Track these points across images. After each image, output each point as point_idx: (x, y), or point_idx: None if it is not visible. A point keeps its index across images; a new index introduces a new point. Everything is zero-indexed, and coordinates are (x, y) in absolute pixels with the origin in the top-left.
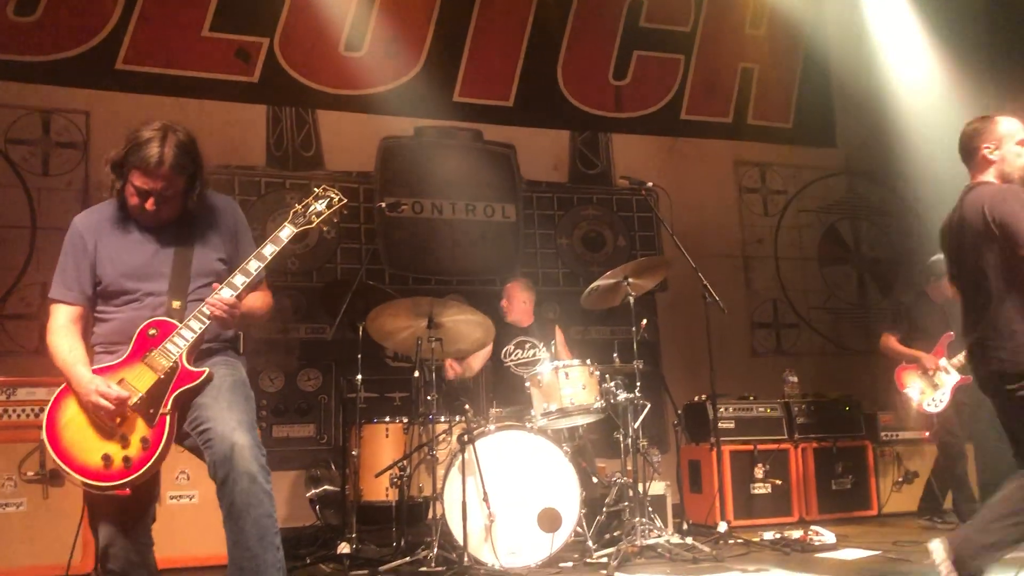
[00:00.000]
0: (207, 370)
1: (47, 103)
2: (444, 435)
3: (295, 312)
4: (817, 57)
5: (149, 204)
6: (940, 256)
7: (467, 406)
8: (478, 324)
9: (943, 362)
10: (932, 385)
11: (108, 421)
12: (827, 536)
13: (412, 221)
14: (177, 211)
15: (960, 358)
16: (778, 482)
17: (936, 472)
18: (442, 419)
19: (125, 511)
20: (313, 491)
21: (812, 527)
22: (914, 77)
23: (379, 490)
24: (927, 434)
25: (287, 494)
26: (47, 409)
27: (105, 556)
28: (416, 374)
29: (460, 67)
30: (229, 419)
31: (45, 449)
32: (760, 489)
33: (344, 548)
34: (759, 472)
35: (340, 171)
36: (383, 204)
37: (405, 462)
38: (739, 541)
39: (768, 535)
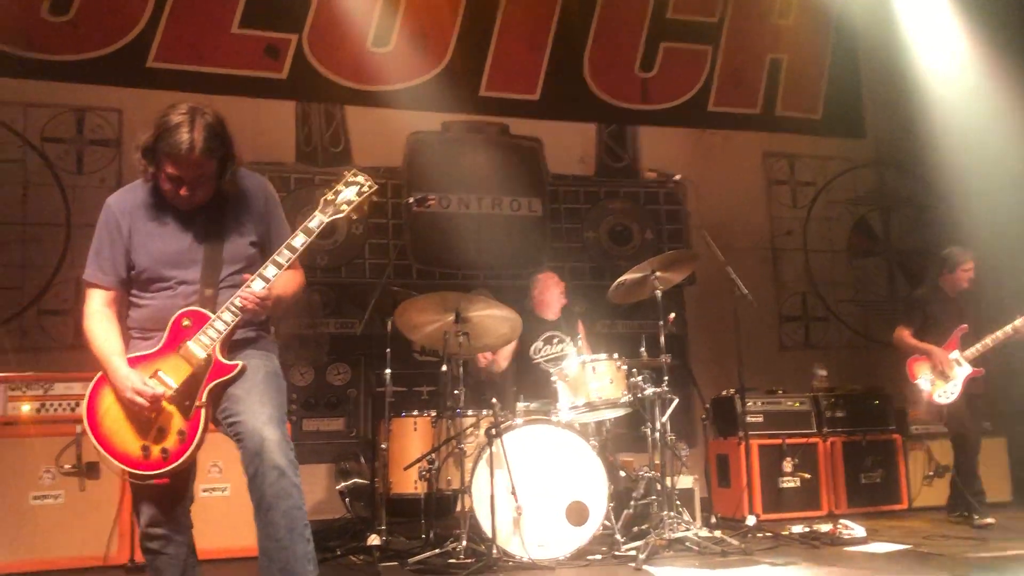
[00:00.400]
0: (240, 363)
1: (81, 101)
2: (472, 429)
3: (324, 307)
4: (846, 46)
5: (183, 191)
6: (954, 248)
7: (494, 400)
8: (505, 319)
9: (955, 355)
10: (943, 377)
11: (144, 415)
12: (857, 530)
13: (439, 216)
14: (211, 193)
15: (974, 350)
16: (807, 476)
17: (956, 468)
18: (469, 413)
19: (164, 494)
20: (343, 484)
21: (841, 521)
22: (946, 64)
23: (408, 483)
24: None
25: (317, 487)
26: (86, 397)
27: (147, 536)
28: (444, 368)
29: (486, 61)
30: (260, 414)
31: (86, 437)
32: (789, 483)
33: (374, 540)
34: (788, 466)
35: (368, 167)
36: (411, 199)
37: (433, 455)
38: (768, 534)
39: (797, 529)
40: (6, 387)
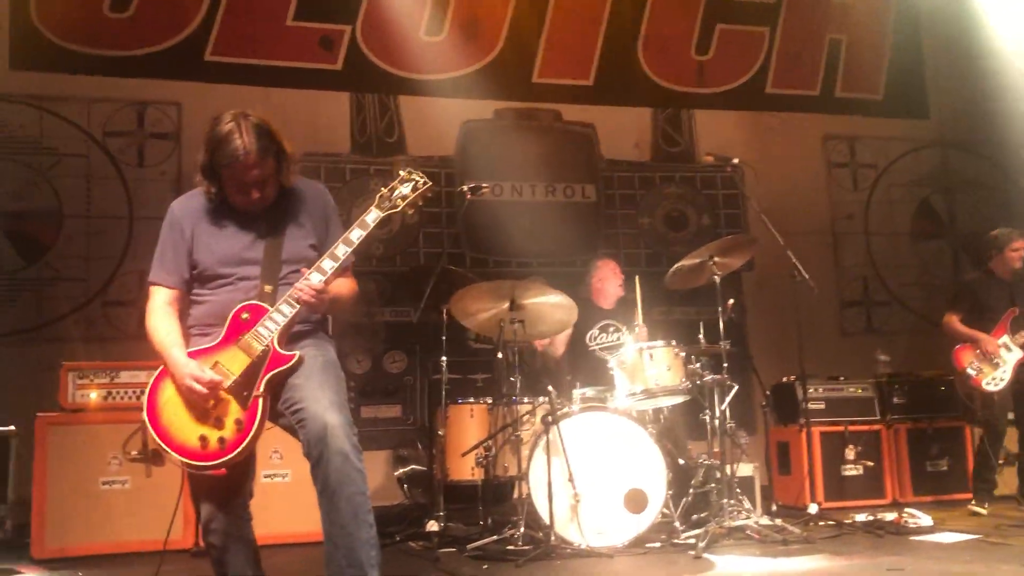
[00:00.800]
0: (298, 354)
1: (141, 96)
2: (528, 416)
3: (380, 296)
4: (908, 23)
5: (255, 194)
6: (1003, 228)
7: (550, 387)
8: (560, 306)
9: (1004, 339)
10: (991, 364)
11: (202, 403)
12: (923, 519)
13: (492, 204)
14: (277, 189)
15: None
16: (870, 464)
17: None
18: (525, 400)
19: (223, 487)
20: (400, 470)
21: (907, 509)
22: (1015, 39)
23: (465, 470)
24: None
25: (375, 473)
26: (147, 390)
27: (206, 531)
28: (499, 356)
29: (539, 48)
30: (321, 399)
31: (146, 429)
32: (851, 471)
33: (432, 526)
34: (850, 453)
35: (422, 156)
36: (464, 188)
37: (490, 442)
38: (830, 523)
39: (860, 517)
40: (74, 375)
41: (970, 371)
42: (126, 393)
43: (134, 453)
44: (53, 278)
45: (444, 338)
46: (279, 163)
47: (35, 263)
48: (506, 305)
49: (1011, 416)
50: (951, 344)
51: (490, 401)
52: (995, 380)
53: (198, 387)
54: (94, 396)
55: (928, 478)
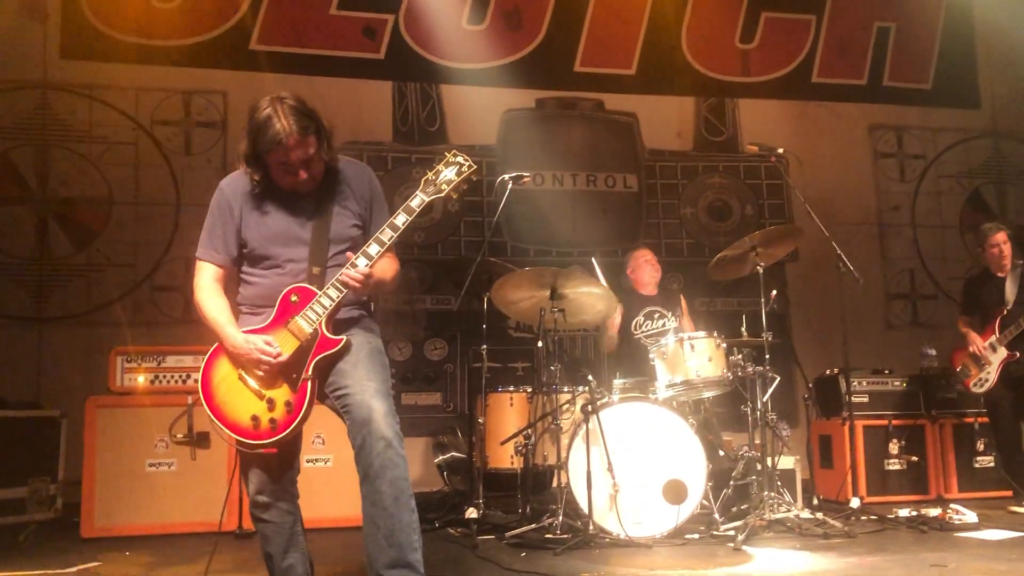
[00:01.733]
0: (345, 338)
1: (188, 85)
2: (567, 405)
3: (421, 283)
4: (960, 9)
5: (302, 174)
6: (987, 223)
7: (590, 377)
8: (601, 295)
9: (992, 339)
10: (979, 365)
11: (268, 376)
12: (968, 515)
13: (534, 193)
14: (323, 167)
15: (1008, 332)
16: (914, 459)
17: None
18: (565, 389)
19: (273, 463)
20: (440, 457)
21: (951, 505)
22: None
23: (504, 457)
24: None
25: (415, 460)
26: (202, 368)
27: (255, 504)
28: (539, 344)
29: (581, 37)
30: (367, 387)
31: (200, 406)
32: (895, 465)
33: (471, 513)
34: (894, 448)
35: (463, 145)
36: (505, 177)
37: (530, 431)
38: (872, 518)
39: (904, 512)
40: (122, 359)
41: (961, 372)
42: (173, 377)
43: (180, 436)
44: (102, 264)
45: (484, 326)
46: (320, 140)
47: (85, 249)
48: (547, 293)
49: None
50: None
51: (530, 390)
52: (980, 382)
53: (267, 359)
54: (142, 380)
55: (974, 474)
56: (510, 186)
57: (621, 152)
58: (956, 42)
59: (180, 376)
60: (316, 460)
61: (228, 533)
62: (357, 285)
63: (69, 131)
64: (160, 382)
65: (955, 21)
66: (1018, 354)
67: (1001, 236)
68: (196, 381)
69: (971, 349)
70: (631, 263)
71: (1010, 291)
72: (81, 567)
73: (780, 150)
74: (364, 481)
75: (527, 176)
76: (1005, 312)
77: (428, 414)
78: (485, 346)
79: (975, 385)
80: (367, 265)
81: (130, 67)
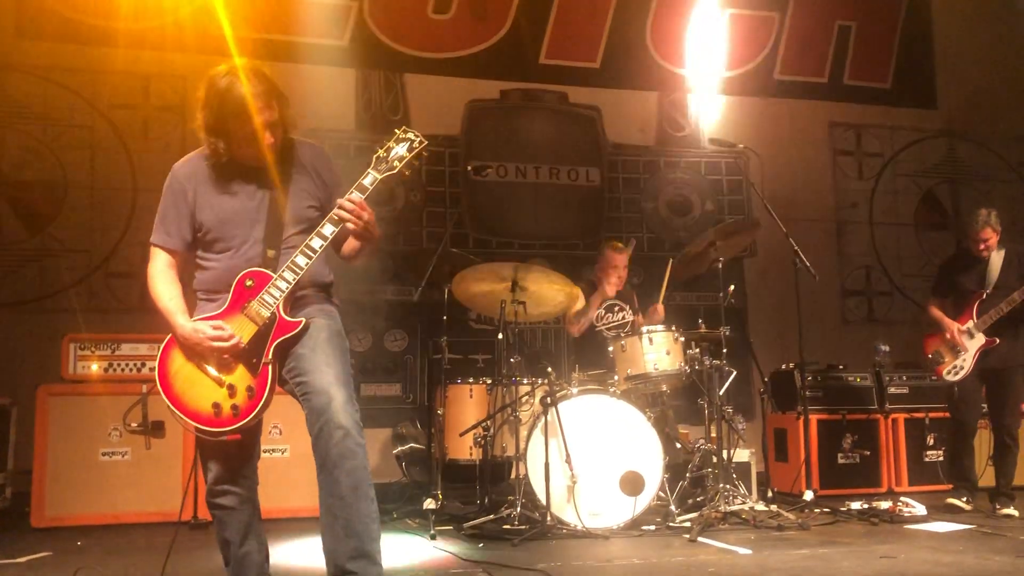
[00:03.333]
0: (303, 320)
1: (146, 69)
2: (527, 397)
3: (382, 274)
4: (920, 11)
5: (268, 138)
6: (982, 211)
7: (549, 369)
8: (561, 288)
9: (968, 325)
10: (954, 352)
11: (226, 362)
12: (917, 508)
13: (496, 185)
14: (282, 134)
15: (987, 318)
16: (866, 452)
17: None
18: (525, 381)
19: (234, 450)
20: (399, 448)
21: (902, 499)
22: None
23: (463, 449)
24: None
25: (373, 451)
26: (158, 357)
27: (212, 492)
28: (500, 336)
29: (547, 29)
30: (327, 373)
31: (155, 396)
32: (848, 459)
33: (429, 504)
34: (847, 442)
35: (427, 134)
36: (469, 167)
37: (489, 422)
38: (825, 510)
39: (856, 505)
40: (75, 346)
41: (933, 359)
42: (127, 365)
43: (134, 425)
44: (56, 249)
45: (445, 318)
46: (281, 106)
47: (38, 234)
48: (508, 286)
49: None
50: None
51: (490, 381)
52: (955, 369)
53: (220, 344)
54: (95, 367)
55: (924, 468)
56: (473, 176)
57: (584, 145)
58: (915, 43)
59: (135, 364)
60: (273, 450)
61: (182, 523)
62: (351, 219)
63: (23, 113)
64: (114, 370)
65: (915, 21)
66: (998, 340)
67: (988, 232)
68: (152, 370)
69: (948, 333)
70: (601, 263)
71: (993, 274)
72: (31, 556)
73: (740, 146)
74: (321, 470)
75: (490, 167)
76: (984, 296)
77: (387, 405)
78: (446, 338)
79: (949, 373)
80: (361, 199)
81: (88, 49)
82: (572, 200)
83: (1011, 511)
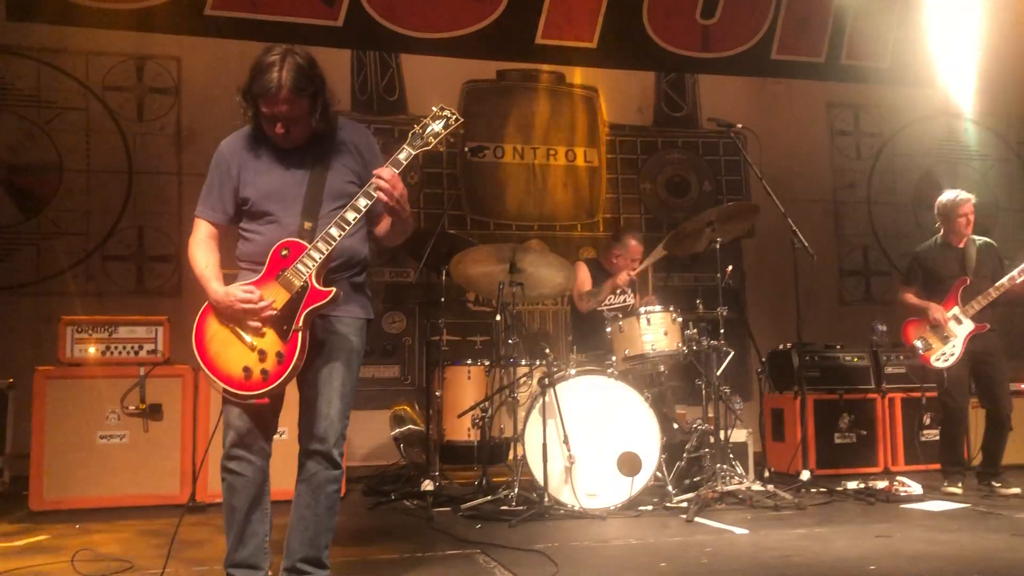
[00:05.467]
0: (335, 289)
1: (141, 50)
2: (525, 378)
3: (379, 255)
4: None
5: (277, 128)
6: (948, 193)
7: (547, 350)
8: (559, 269)
9: (955, 311)
10: (941, 338)
11: (259, 327)
12: (913, 487)
13: (494, 166)
14: (307, 130)
15: (975, 303)
16: (863, 432)
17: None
18: (523, 363)
19: (255, 416)
20: (397, 430)
21: (898, 478)
22: None
23: (461, 430)
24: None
25: (372, 433)
26: (195, 323)
27: (229, 456)
28: (498, 318)
29: (543, 8)
30: (334, 402)
31: (156, 379)
32: (844, 439)
33: (427, 485)
34: (844, 422)
35: (423, 115)
36: (466, 149)
37: (487, 403)
38: (822, 490)
39: (852, 485)
40: (73, 329)
41: (918, 345)
42: (125, 348)
43: (132, 408)
44: (52, 232)
45: (443, 299)
46: (314, 106)
47: (34, 217)
48: (506, 267)
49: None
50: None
51: (488, 363)
52: (944, 356)
53: (249, 306)
54: (92, 350)
55: (921, 447)
56: (470, 158)
57: (582, 126)
58: (914, 22)
59: (132, 347)
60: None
61: (179, 506)
62: (383, 195)
63: (17, 96)
64: (112, 353)
65: (912, 2)
66: (988, 325)
67: (969, 206)
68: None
69: (934, 317)
70: (622, 251)
71: (971, 260)
72: (29, 540)
73: (738, 126)
74: (305, 485)
75: (487, 148)
76: (968, 282)
77: (386, 387)
78: (443, 319)
79: (937, 359)
80: (392, 173)
81: (81, 31)
82: (570, 181)
83: (1016, 490)
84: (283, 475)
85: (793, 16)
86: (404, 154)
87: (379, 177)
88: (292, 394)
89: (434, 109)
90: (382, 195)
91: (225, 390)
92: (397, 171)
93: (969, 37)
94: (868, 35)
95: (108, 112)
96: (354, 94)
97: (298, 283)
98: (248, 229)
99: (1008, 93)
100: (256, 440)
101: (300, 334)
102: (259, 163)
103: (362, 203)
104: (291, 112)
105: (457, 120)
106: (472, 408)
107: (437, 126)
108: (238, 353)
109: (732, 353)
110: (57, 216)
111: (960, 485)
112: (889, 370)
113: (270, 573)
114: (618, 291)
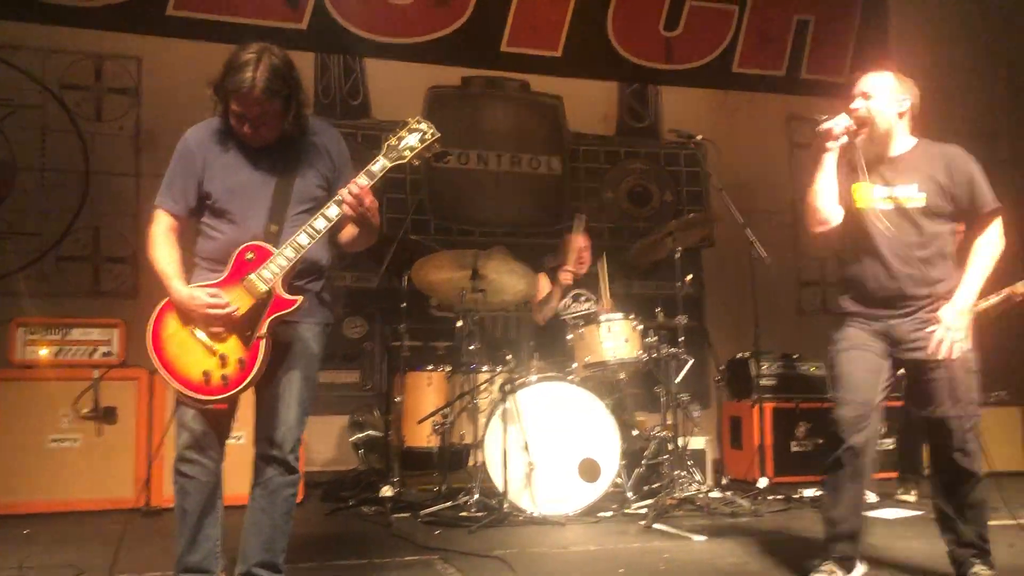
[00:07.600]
0: (301, 298)
1: (100, 49)
2: (486, 384)
3: (341, 260)
4: (877, 6)
5: (246, 128)
6: None
7: (509, 356)
8: (522, 276)
9: None
10: None
11: (220, 331)
12: (868, 495)
13: (457, 172)
14: (276, 132)
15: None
16: (820, 441)
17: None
18: (484, 369)
19: (210, 420)
20: (357, 436)
21: None
22: (988, 27)
23: (421, 436)
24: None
25: (331, 439)
26: (151, 321)
27: (182, 458)
28: (459, 324)
29: (508, 16)
30: (293, 408)
31: (109, 383)
32: (801, 447)
33: (387, 491)
34: (801, 430)
35: (387, 120)
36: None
37: (447, 410)
38: (779, 497)
39: (809, 492)
40: (24, 331)
41: None
42: (78, 350)
43: (85, 411)
44: (4, 232)
45: (405, 305)
46: (287, 108)
47: None
48: (468, 274)
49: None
50: None
51: (449, 369)
52: None
53: (215, 311)
54: (44, 352)
55: (877, 456)
56: (433, 163)
57: (546, 134)
58: (872, 38)
59: (86, 349)
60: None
61: (133, 510)
62: (353, 200)
63: None
64: (65, 355)
65: (872, 16)
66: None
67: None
68: (105, 355)
69: None
70: (563, 248)
71: None
72: None
73: (698, 137)
74: (261, 489)
75: (451, 154)
76: None
77: (346, 392)
78: (404, 325)
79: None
80: (368, 182)
81: (38, 27)
82: (533, 188)
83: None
84: (236, 479)
85: (754, 29)
86: (378, 165)
87: (348, 190)
88: (248, 397)
89: (408, 121)
90: (347, 209)
91: (182, 393)
92: (370, 182)
93: (929, 52)
94: (827, 50)
95: (65, 111)
96: (317, 97)
97: (263, 289)
98: (210, 225)
99: (964, 108)
100: (211, 443)
101: (263, 341)
102: (226, 158)
103: (332, 212)
104: (261, 112)
105: (434, 135)
106: (433, 414)
107: (413, 139)
108: (198, 357)
109: (691, 361)
110: (9, 216)
111: (914, 492)
112: None
113: None
114: (582, 299)
